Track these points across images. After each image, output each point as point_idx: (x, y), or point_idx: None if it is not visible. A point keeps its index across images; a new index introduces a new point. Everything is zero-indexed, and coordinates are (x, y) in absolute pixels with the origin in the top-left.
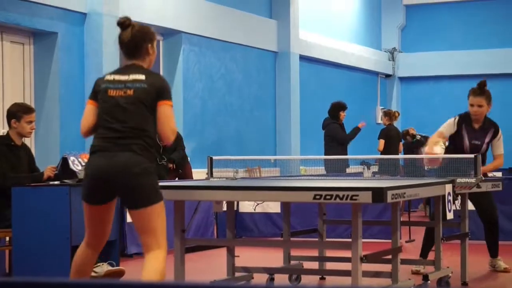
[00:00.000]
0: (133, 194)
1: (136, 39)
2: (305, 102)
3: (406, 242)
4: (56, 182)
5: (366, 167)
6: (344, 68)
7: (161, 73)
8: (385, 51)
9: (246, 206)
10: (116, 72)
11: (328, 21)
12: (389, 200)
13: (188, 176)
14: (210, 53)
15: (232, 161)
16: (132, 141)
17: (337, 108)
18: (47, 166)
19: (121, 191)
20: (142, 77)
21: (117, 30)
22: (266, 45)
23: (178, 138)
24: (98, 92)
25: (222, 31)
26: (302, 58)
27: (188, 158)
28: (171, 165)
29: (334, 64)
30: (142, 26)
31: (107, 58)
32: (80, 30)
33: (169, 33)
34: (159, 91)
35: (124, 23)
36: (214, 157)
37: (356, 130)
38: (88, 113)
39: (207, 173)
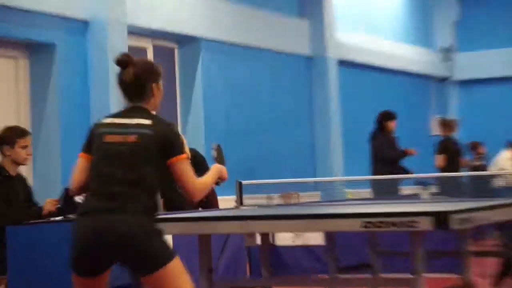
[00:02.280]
0: (136, 261)
1: (139, 80)
2: (347, 113)
3: None
4: (58, 218)
5: (422, 187)
6: (391, 72)
7: (177, 87)
8: (439, 51)
9: (284, 239)
10: (117, 115)
11: (370, 19)
12: (455, 226)
13: (213, 204)
14: (233, 62)
15: (264, 185)
16: (131, 200)
17: (384, 118)
18: (47, 199)
19: (120, 259)
20: (148, 121)
21: (116, 68)
22: (298, 50)
23: (200, 160)
24: (93, 140)
25: (246, 35)
26: (341, 63)
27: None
28: None
29: (379, 69)
30: (145, 62)
31: (114, 71)
32: (82, 40)
33: (185, 40)
34: (171, 143)
35: (124, 62)
36: (243, 182)
37: (404, 154)
38: (80, 169)
39: (236, 201)
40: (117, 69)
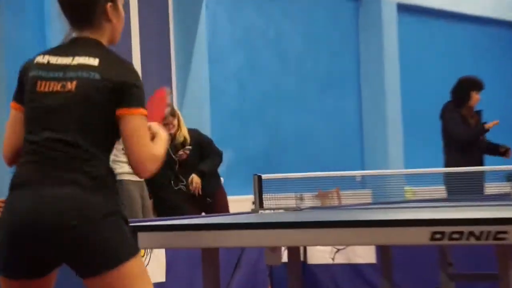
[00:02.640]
0: (82, 254)
1: None
2: (409, 80)
3: None
4: None
5: None
6: (471, 21)
7: (172, 45)
8: None
9: (319, 255)
10: (54, 51)
11: None
12: None
13: (222, 207)
14: (249, 7)
15: (292, 180)
16: (76, 166)
17: (466, 87)
18: None
19: (62, 253)
20: (93, 61)
21: None
22: None
23: (206, 142)
24: (24, 86)
25: None
26: (402, 7)
27: (221, 180)
28: (196, 185)
29: (454, 16)
30: None
31: None
32: None
33: None
34: (123, 89)
35: None
36: (263, 176)
37: (482, 130)
38: (13, 124)
39: (253, 202)
40: None
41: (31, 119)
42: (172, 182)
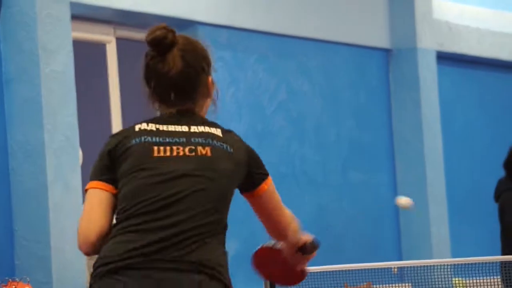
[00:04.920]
0: None
1: (191, 70)
2: (454, 146)
3: None
4: None
5: None
6: None
7: None
8: None
9: None
10: (156, 120)
11: None
12: None
13: None
14: (255, 63)
15: (312, 274)
16: (203, 250)
17: None
18: None
19: None
20: (216, 131)
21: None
22: (366, 38)
23: None
24: (123, 158)
25: (276, 18)
26: (442, 57)
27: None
28: None
29: (507, 66)
30: (194, 41)
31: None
32: None
33: (175, 27)
34: (254, 159)
35: (167, 40)
36: None
37: None
38: (98, 207)
39: None
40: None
41: (142, 190)
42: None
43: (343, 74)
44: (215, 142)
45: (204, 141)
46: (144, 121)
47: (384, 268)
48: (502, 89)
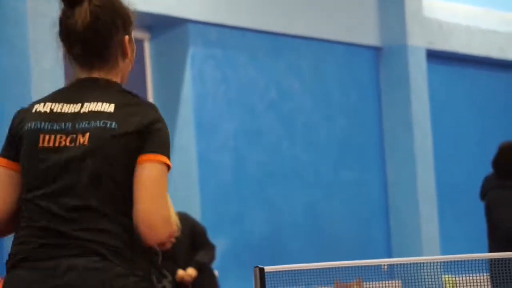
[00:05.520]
0: None
1: (101, 26)
2: (444, 143)
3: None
4: None
5: None
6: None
7: (151, 97)
8: None
9: None
10: (56, 97)
11: None
12: None
13: None
14: (245, 62)
15: (302, 272)
16: (94, 234)
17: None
18: None
19: None
20: (108, 107)
21: (55, 8)
22: (356, 36)
23: (201, 232)
24: (20, 140)
25: (267, 16)
26: (432, 55)
27: (216, 274)
28: (189, 278)
29: (497, 64)
30: None
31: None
32: None
33: (166, 25)
34: (144, 134)
35: None
36: (266, 268)
37: None
38: (4, 185)
39: None
40: (57, 11)
41: (33, 182)
42: (153, 276)
43: (334, 72)
44: (98, 122)
45: (87, 125)
46: (46, 97)
47: (375, 265)
48: (492, 87)
